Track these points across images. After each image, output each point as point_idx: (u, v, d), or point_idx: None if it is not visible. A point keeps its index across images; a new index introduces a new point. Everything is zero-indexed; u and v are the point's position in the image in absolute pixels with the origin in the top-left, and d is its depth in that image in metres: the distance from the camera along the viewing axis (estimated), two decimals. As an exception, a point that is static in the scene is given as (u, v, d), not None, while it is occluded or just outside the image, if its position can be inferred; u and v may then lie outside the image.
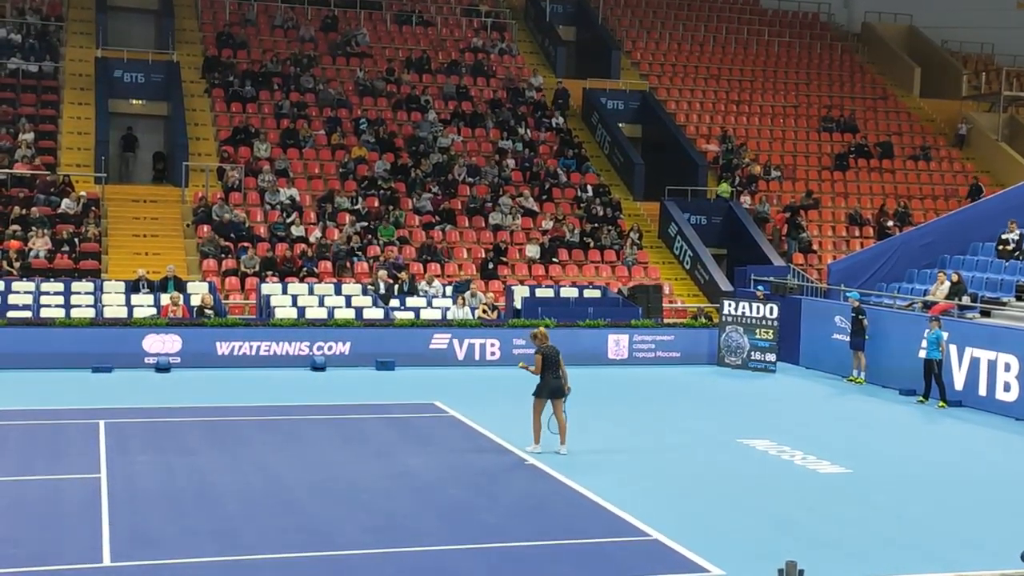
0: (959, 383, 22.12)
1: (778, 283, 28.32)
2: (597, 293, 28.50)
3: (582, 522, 13.01)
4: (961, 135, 41.06)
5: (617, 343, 26.39)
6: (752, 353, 26.16)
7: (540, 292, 28.14)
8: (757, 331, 26.13)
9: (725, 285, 30.43)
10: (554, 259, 31.09)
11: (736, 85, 41.74)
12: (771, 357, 26.07)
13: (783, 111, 40.94)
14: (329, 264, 28.90)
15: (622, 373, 25.11)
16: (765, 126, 40.12)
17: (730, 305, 26.65)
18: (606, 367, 25.72)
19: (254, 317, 25.85)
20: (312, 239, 29.65)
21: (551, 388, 16.23)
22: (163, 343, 23.69)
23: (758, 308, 26.26)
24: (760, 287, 27.69)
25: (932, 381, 21.94)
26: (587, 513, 13.36)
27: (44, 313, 24.18)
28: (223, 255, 28.54)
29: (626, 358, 26.40)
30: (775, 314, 26.11)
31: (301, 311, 25.57)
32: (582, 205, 33.72)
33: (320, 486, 14.18)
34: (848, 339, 24.61)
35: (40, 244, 27.33)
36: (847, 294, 25.53)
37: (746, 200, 35.38)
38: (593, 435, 17.71)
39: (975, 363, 21.86)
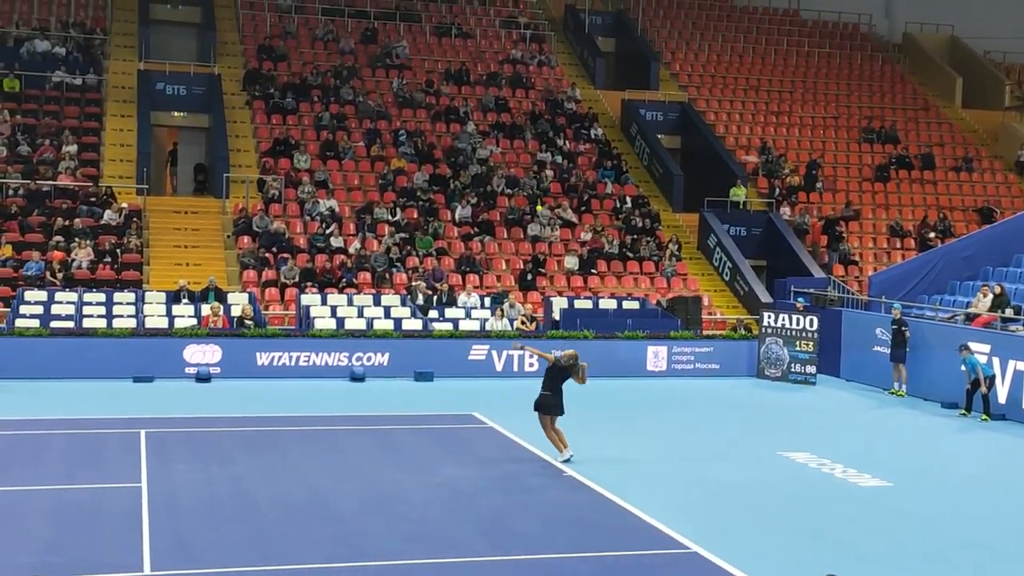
0: (1002, 397, 21.85)
1: (818, 295, 28.12)
2: (636, 305, 28.41)
3: (620, 534, 12.95)
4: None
5: (656, 355, 26.29)
6: (792, 365, 25.98)
7: (578, 304, 28.09)
8: (797, 343, 25.94)
9: (765, 297, 30.26)
10: (593, 270, 31.04)
11: (776, 96, 41.55)
12: (811, 369, 25.87)
13: (823, 122, 40.68)
14: (368, 275, 29.01)
15: (661, 385, 25.00)
16: (805, 137, 39.89)
17: (770, 317, 26.49)
18: (644, 379, 25.63)
19: (293, 328, 25.98)
20: (351, 250, 29.78)
21: (546, 404, 16.42)
22: (203, 353, 23.85)
23: (798, 320, 26.09)
24: (800, 299, 27.50)
25: (975, 394, 21.69)
26: (625, 525, 13.31)
27: (86, 323, 24.41)
28: (263, 266, 28.72)
29: (665, 370, 26.29)
30: (815, 326, 25.92)
31: (340, 322, 25.66)
32: (621, 216, 33.66)
33: (358, 496, 14.21)
34: (889, 351, 24.39)
35: (83, 255, 27.62)
36: (891, 305, 25.28)
37: (786, 211, 35.17)
38: (631, 447, 17.64)
39: (1019, 376, 21.59)
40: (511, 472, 15.86)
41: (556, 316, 27.26)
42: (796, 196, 36.24)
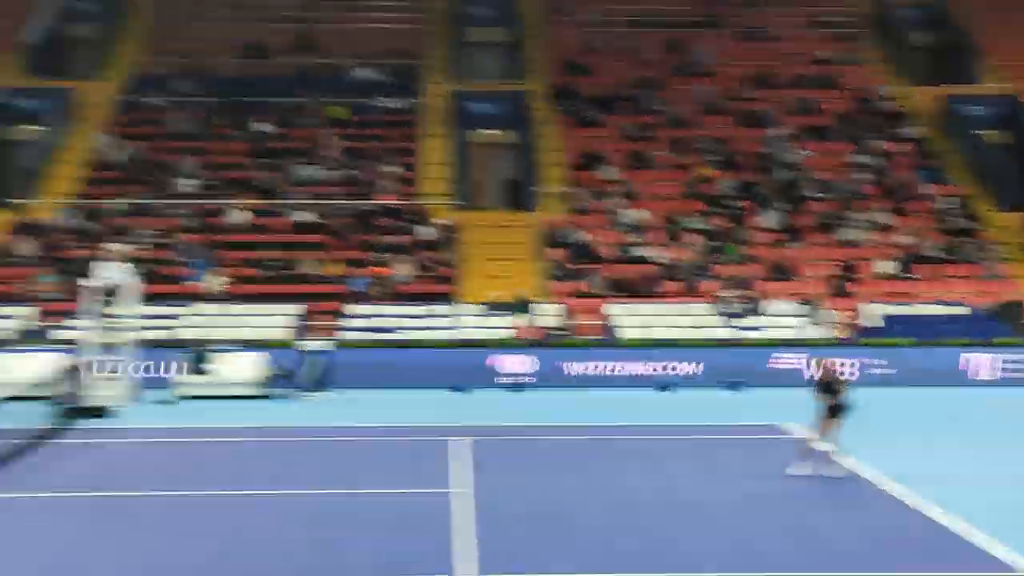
0: None
1: None
2: (961, 310, 26.92)
3: (942, 553, 12.28)
4: None
5: (983, 363, 24.83)
6: None
7: (897, 309, 26.93)
8: None
9: (1106, 300, 27.92)
10: (910, 275, 29.63)
11: (1115, 83, 38.31)
12: None
13: None
14: (676, 284, 28.95)
15: (987, 395, 23.55)
16: None
17: (1112, 322, 24.47)
18: (968, 388, 24.23)
19: (602, 338, 26.27)
20: (659, 260, 29.80)
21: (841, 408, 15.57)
22: (516, 363, 24.51)
23: None
24: None
25: None
26: (947, 544, 12.60)
27: (406, 335, 25.63)
28: (572, 277, 29.22)
29: (992, 379, 24.77)
30: None
31: (648, 331, 25.73)
32: (940, 217, 31.99)
33: (671, 507, 14.17)
34: None
35: (403, 270, 29.05)
36: None
37: None
38: (952, 461, 16.70)
39: None
40: (823, 485, 15.36)
41: (870, 323, 26.24)
42: None
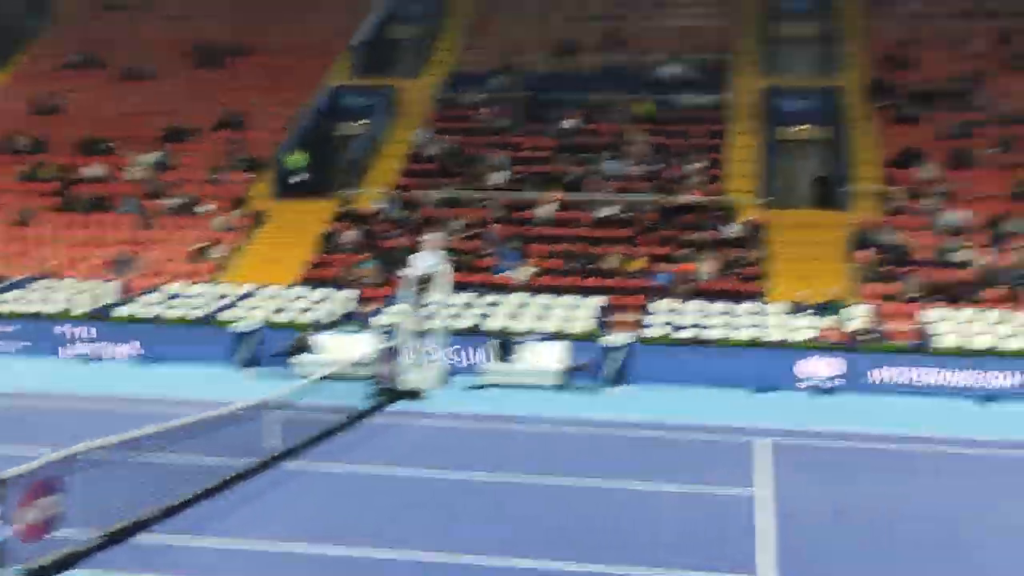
0: None
1: None
2: None
3: None
4: None
5: None
6: None
7: None
8: None
9: None
10: None
11: None
12: None
13: None
14: (998, 290, 27.26)
15: None
16: None
17: None
18: None
19: (915, 342, 25.13)
20: (981, 263, 28.16)
21: None
22: (823, 366, 23.83)
23: None
24: None
25: None
26: None
27: (708, 333, 25.41)
28: (885, 279, 28.08)
29: None
30: None
31: (966, 339, 24.39)
32: None
33: (988, 528, 13.38)
34: None
35: (708, 267, 28.80)
36: None
37: None
38: None
39: None
40: None
41: None
42: None
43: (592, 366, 23.69)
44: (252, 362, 24.71)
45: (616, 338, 24.28)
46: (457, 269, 25.59)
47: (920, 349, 24.36)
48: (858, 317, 25.54)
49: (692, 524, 13.14)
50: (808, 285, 27.91)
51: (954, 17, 38.42)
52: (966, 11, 38.64)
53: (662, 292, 27.88)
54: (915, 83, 35.57)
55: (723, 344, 24.70)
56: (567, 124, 35.33)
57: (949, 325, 25.16)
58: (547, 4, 42.08)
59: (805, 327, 25.46)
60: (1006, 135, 32.91)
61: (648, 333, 25.47)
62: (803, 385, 23.74)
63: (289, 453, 15.81)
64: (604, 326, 26.28)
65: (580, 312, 26.93)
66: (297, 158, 34.25)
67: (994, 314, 25.65)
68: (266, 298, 28.31)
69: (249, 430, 15.02)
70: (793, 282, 28.47)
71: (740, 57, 38.44)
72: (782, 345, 24.59)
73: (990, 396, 22.87)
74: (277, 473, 14.97)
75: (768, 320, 26.00)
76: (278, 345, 24.49)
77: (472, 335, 25.28)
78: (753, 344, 24.71)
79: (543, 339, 24.69)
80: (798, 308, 26.21)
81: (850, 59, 37.52)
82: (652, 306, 27.01)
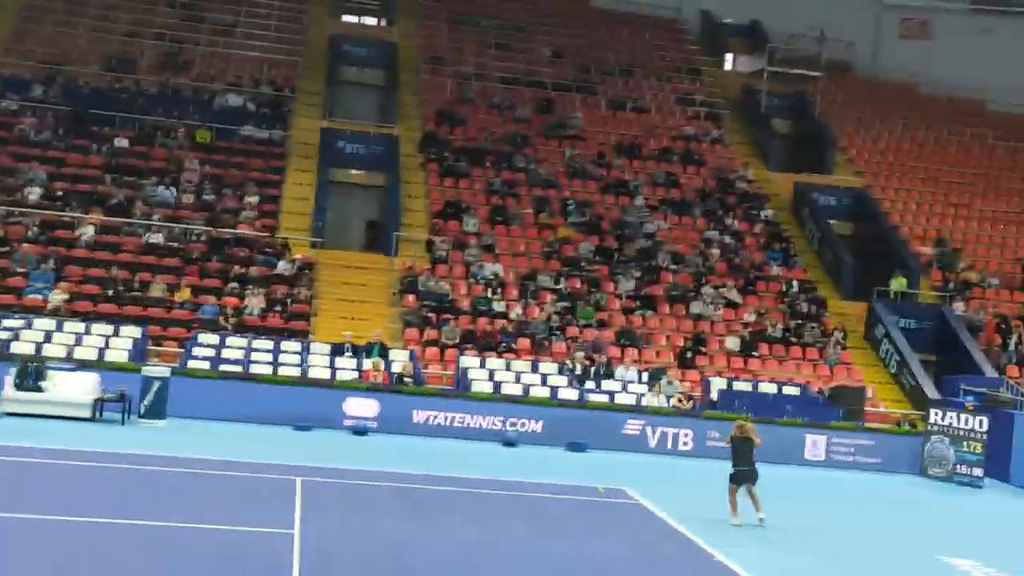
0: None
1: (991, 395, 27.00)
2: (796, 391, 27.80)
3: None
4: None
5: (815, 444, 25.67)
6: (958, 466, 24.95)
7: (738, 385, 27.63)
8: (965, 443, 24.93)
9: (932, 393, 29.14)
10: (754, 353, 30.46)
11: (955, 188, 40.40)
12: (979, 472, 24.81)
13: (1004, 216, 39.30)
14: (528, 341, 29.13)
15: (818, 475, 24.30)
16: (984, 231, 38.61)
17: (937, 414, 25.59)
18: (802, 467, 24.96)
19: (451, 388, 26.24)
20: (513, 315, 29.98)
21: (739, 475, 17.75)
22: (362, 407, 24.28)
23: (967, 419, 25.10)
24: (970, 398, 26.45)
25: None
26: None
27: (253, 369, 25.14)
28: (426, 325, 29.14)
29: (823, 459, 25.61)
30: (985, 427, 24.87)
31: (497, 386, 25.82)
32: (786, 300, 33.04)
33: (504, 562, 14.15)
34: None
35: (255, 303, 28.52)
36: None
37: (959, 306, 33.95)
38: (784, 538, 17.13)
39: None
40: (657, 550, 15.57)
41: (714, 396, 26.85)
42: (971, 291, 35.00)
43: (127, 397, 22.64)
44: None
45: (155, 369, 23.39)
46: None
47: (455, 394, 25.44)
48: (400, 360, 26.27)
49: (225, 564, 12.84)
50: (354, 326, 28.41)
51: (503, 82, 40.91)
52: (514, 77, 41.30)
53: (208, 325, 27.26)
54: (464, 139, 37.42)
55: (268, 381, 24.52)
56: (117, 143, 33.79)
57: (483, 372, 26.48)
58: (104, 16, 40.22)
59: (349, 368, 25.83)
60: (541, 196, 35.39)
61: (190, 366, 24.77)
62: (344, 424, 24.04)
63: None
64: (143, 356, 25.26)
65: (117, 341, 25.69)
66: None
67: (522, 363, 27.31)
68: None
69: None
70: (339, 322, 28.87)
71: (303, 96, 38.65)
72: (326, 384, 24.80)
73: (515, 440, 24.26)
74: None
75: (313, 359, 26.14)
76: None
77: (-6, 359, 23.37)
78: (297, 382, 24.74)
79: (74, 368, 23.28)
80: (343, 348, 26.55)
81: (407, 110, 38.82)
82: (196, 338, 26.30)
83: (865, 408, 27.91)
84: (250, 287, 29.08)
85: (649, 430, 25.09)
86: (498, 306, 30.43)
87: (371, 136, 36.70)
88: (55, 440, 19.60)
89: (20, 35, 38.51)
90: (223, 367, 24.80)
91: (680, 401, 26.27)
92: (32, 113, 34.41)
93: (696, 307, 31.79)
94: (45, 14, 39.48)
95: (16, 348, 24.49)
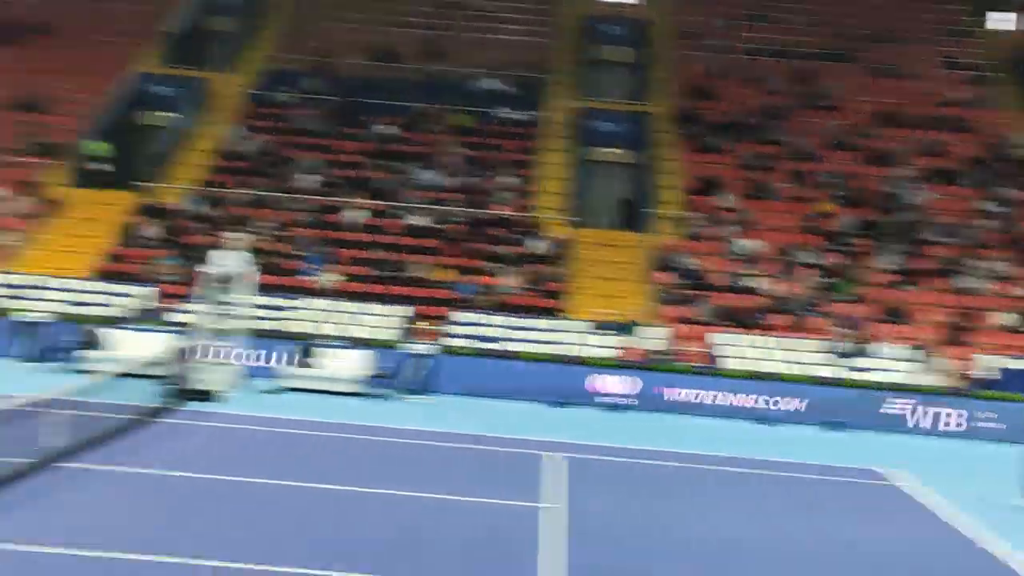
0: None
1: None
2: (1079, 369, 26.07)
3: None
4: None
5: (1099, 426, 23.98)
6: None
7: (1015, 364, 26.15)
8: None
9: None
10: (1030, 329, 28.73)
11: None
12: None
13: None
14: (784, 318, 28.54)
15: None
16: None
17: None
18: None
19: (706, 365, 26.06)
20: (771, 291, 29.43)
21: None
22: (617, 384, 24.45)
23: None
24: None
25: None
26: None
27: (510, 346, 25.75)
28: (681, 302, 29.02)
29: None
30: None
31: (753, 363, 25.45)
32: (1067, 272, 31.00)
33: (763, 545, 13.97)
34: None
35: (512, 281, 29.17)
36: None
37: None
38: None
39: None
40: (920, 539, 15.00)
41: (985, 375, 25.54)
42: None
43: (393, 374, 23.67)
44: (37, 356, 23.73)
45: (419, 347, 24.34)
46: (264, 270, 25.18)
47: (711, 371, 25.26)
48: (655, 338, 26.31)
49: (479, 535, 13.25)
50: (608, 304, 28.60)
51: (757, 54, 40.09)
52: (769, 48, 40.39)
53: (467, 304, 28.10)
54: (719, 114, 36.92)
55: (523, 357, 25.06)
56: (382, 131, 35.24)
57: (738, 349, 26.17)
58: (367, 9, 41.90)
59: (604, 345, 26.07)
60: (799, 170, 34.51)
61: (451, 343, 25.63)
62: (598, 401, 24.31)
63: (69, 453, 15.23)
64: (408, 335, 26.31)
65: (385, 320, 26.89)
66: (99, 146, 33.08)
67: (780, 340, 26.80)
68: (58, 289, 27.24)
69: (25, 428, 14.39)
70: (594, 300, 29.12)
71: (556, 76, 39.12)
72: (578, 361, 25.12)
73: (772, 418, 23.88)
74: (54, 474, 14.39)
75: (566, 336, 26.52)
76: (65, 339, 23.60)
77: (273, 338, 24.91)
78: (550, 359, 25.17)
79: (346, 345, 24.54)
80: (597, 326, 26.81)
81: (659, 87, 38.67)
82: (456, 317, 27.19)
83: None
84: (507, 266, 29.74)
85: (914, 409, 24.14)
86: (755, 282, 29.92)
87: (623, 114, 36.79)
88: (326, 413, 20.73)
89: (293, 31, 40.66)
90: (481, 344, 25.51)
91: (949, 379, 25.10)
92: (304, 104, 36.32)
93: (964, 281, 30.26)
94: (313, 11, 41.48)
95: (291, 326, 25.99)
